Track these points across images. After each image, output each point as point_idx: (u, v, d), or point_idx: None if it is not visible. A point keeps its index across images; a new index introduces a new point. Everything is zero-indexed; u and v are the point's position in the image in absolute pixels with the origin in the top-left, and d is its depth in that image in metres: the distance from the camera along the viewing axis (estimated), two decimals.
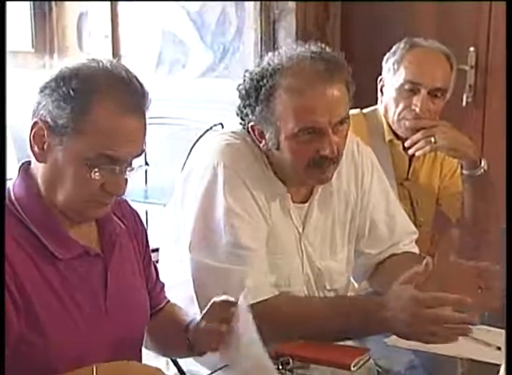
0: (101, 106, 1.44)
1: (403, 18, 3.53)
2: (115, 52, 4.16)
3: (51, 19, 4.38)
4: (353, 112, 2.41)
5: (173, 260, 1.94)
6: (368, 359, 1.74)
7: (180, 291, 1.85)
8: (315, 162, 1.81)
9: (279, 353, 1.71)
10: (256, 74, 1.81)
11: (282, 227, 1.90)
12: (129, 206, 1.72)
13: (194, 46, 3.94)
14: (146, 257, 1.72)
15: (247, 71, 1.87)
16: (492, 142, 3.34)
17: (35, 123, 1.47)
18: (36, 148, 1.48)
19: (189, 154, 2.16)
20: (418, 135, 2.33)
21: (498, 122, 3.51)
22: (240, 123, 1.91)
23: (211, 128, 3.10)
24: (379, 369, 1.73)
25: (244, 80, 1.85)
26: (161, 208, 1.97)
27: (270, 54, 1.84)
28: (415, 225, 2.22)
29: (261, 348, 1.47)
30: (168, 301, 1.80)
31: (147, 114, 1.51)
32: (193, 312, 1.78)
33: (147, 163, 1.72)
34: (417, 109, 2.33)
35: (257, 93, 1.80)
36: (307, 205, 1.94)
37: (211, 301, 1.57)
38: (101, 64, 1.49)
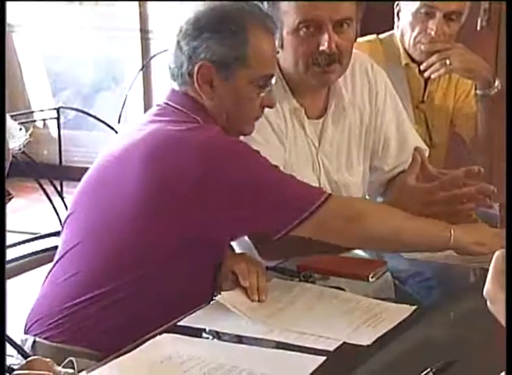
0: (255, 36, 1.59)
1: None
2: None
3: None
4: (369, 37, 2.39)
5: None
6: (386, 271, 1.74)
7: None
8: (316, 60, 1.78)
9: (302, 267, 1.72)
10: None
11: (299, 143, 1.89)
12: None
13: None
14: None
15: None
16: (504, 64, 3.27)
17: (201, 66, 1.58)
18: (205, 87, 1.60)
19: None
20: (434, 58, 2.30)
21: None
22: None
23: None
24: (396, 281, 1.74)
25: None
26: None
27: None
28: (430, 146, 2.21)
29: None
30: None
31: None
32: None
33: None
34: (433, 33, 2.30)
35: None
36: (321, 120, 1.92)
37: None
38: (236, 2, 1.63)
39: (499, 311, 0.96)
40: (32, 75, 4.65)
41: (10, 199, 1.16)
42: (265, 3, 1.79)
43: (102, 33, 4.33)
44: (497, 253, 0.98)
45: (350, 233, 1.64)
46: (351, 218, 1.62)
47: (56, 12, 4.43)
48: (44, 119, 4.47)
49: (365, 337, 1.43)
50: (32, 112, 4.50)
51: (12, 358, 1.49)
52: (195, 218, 1.55)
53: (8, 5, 4.56)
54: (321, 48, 1.76)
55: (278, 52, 1.74)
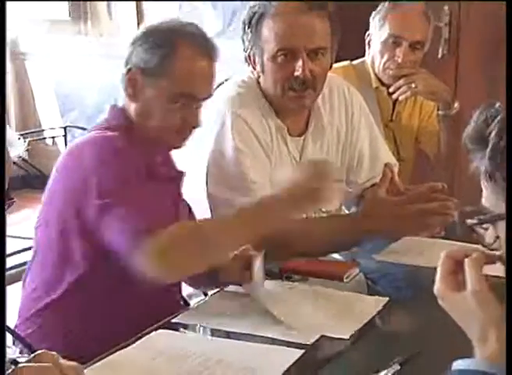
0: (183, 53, 1.49)
1: None
2: (139, 20, 4.08)
3: None
4: (344, 63, 2.39)
5: (194, 193, 1.91)
6: (359, 273, 1.73)
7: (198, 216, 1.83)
8: (291, 85, 1.77)
9: (284, 269, 1.70)
10: (252, 7, 1.80)
11: (283, 158, 1.87)
12: None
13: (207, 13, 3.87)
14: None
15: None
16: (463, 87, 3.33)
17: (129, 70, 1.52)
18: (129, 90, 1.52)
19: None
20: (401, 82, 2.31)
21: (468, 71, 3.50)
22: (244, 56, 1.85)
23: (223, 82, 3.04)
24: (368, 282, 1.72)
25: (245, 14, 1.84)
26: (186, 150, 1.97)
27: None
28: (398, 160, 2.20)
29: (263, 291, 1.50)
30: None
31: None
32: None
33: None
34: (400, 60, 2.30)
35: (250, 21, 1.79)
36: (302, 137, 1.91)
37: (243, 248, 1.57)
38: (179, 21, 1.56)
39: (448, 307, 0.96)
40: (43, 97, 4.62)
41: (12, 203, 1.14)
42: (249, 31, 1.79)
43: (106, 61, 4.31)
44: (443, 253, 0.97)
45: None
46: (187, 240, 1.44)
47: (65, 42, 4.41)
48: (53, 137, 4.44)
49: (344, 330, 1.40)
50: (42, 130, 4.47)
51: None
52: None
53: (21, 35, 4.54)
54: (295, 73, 1.75)
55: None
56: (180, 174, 1.66)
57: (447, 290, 0.95)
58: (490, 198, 0.91)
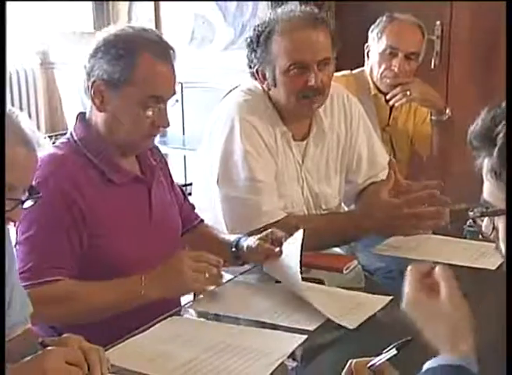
0: (144, 59, 1.44)
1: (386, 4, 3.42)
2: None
3: (107, 7, 4.29)
4: (344, 72, 2.37)
5: (203, 191, 1.89)
6: (357, 265, 1.71)
7: (209, 213, 1.82)
8: (305, 94, 1.77)
9: None
10: (258, 26, 1.79)
11: (287, 161, 1.85)
12: (156, 148, 1.68)
13: (219, 25, 3.86)
14: (171, 182, 1.70)
15: (252, 26, 1.83)
16: (454, 95, 3.31)
17: (94, 82, 1.45)
18: (97, 101, 1.46)
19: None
20: (397, 89, 2.30)
21: (458, 80, 3.48)
22: (249, 72, 1.84)
23: (232, 89, 3.03)
24: (365, 273, 1.70)
25: (250, 33, 1.81)
26: (195, 153, 1.95)
27: (268, 11, 1.81)
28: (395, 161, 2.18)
29: (297, 271, 1.45)
30: (202, 220, 1.77)
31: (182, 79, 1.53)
32: (218, 227, 1.77)
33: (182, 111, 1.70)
34: (396, 69, 2.29)
35: (257, 39, 1.77)
36: (305, 142, 1.89)
37: (270, 230, 1.57)
38: (136, 28, 1.48)
39: (420, 312, 0.96)
40: (70, 104, 4.62)
41: (39, 198, 1.13)
42: (258, 49, 1.77)
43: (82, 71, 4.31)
44: (409, 267, 0.97)
45: (59, 311, 1.41)
46: (60, 300, 1.40)
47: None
48: None
49: (351, 322, 1.38)
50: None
51: None
52: None
53: (51, 47, 4.54)
54: (309, 84, 1.75)
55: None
56: (151, 172, 1.58)
57: (420, 297, 0.95)
58: (494, 194, 0.89)
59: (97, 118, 1.49)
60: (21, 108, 4.28)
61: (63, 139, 1.53)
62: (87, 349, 1.09)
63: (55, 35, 4.53)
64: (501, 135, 0.85)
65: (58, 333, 1.38)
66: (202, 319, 1.42)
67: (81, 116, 1.54)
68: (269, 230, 1.57)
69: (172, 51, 1.48)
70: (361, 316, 1.41)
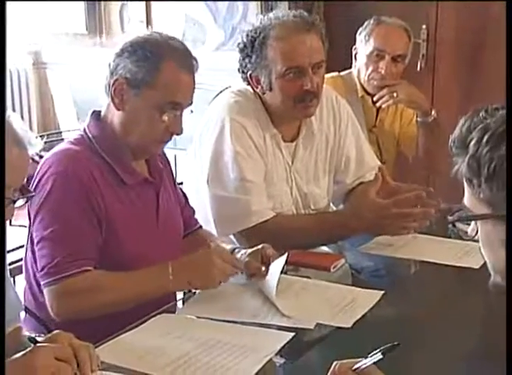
0: (168, 65, 1.45)
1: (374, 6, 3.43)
2: None
3: (100, 8, 4.27)
4: (332, 74, 2.37)
5: (193, 190, 1.89)
6: (344, 263, 1.71)
7: (199, 213, 1.80)
8: (300, 97, 1.76)
9: None
10: (251, 31, 1.78)
11: (276, 162, 1.85)
12: (162, 151, 1.68)
13: (210, 27, 3.85)
14: (174, 185, 1.70)
15: (243, 32, 1.82)
16: (439, 97, 3.32)
17: (116, 80, 1.46)
18: (116, 99, 1.47)
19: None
20: (384, 91, 2.31)
21: (444, 83, 3.50)
22: (242, 77, 1.84)
23: (223, 90, 3.02)
24: (353, 271, 1.70)
25: (242, 38, 1.80)
26: (185, 152, 1.94)
27: (260, 16, 1.81)
28: (381, 162, 2.18)
29: (274, 287, 1.45)
30: (201, 226, 1.76)
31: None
32: (207, 229, 1.76)
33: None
34: (383, 71, 2.30)
35: (252, 45, 1.77)
36: (294, 143, 1.89)
37: (261, 245, 1.56)
38: (163, 35, 1.50)
39: None
40: (61, 104, 4.60)
41: (32, 197, 1.12)
42: (252, 55, 1.77)
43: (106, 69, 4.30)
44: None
45: (89, 302, 1.41)
46: (88, 290, 1.40)
47: (82, 53, 4.38)
48: None
49: (346, 320, 1.38)
50: (61, 132, 4.45)
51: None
52: None
53: (44, 47, 4.52)
54: (305, 87, 1.75)
55: (263, 92, 1.62)
56: (159, 176, 1.59)
57: None
58: (470, 200, 0.89)
59: (114, 117, 1.50)
60: (13, 109, 4.25)
61: (76, 135, 1.54)
62: (77, 346, 1.08)
63: (48, 35, 4.51)
64: (473, 142, 0.85)
65: (48, 330, 1.37)
66: (193, 317, 1.41)
67: (96, 113, 1.54)
68: (260, 245, 1.56)
69: (194, 62, 1.50)
70: (355, 313, 1.40)
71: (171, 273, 1.41)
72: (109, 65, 1.48)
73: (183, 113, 1.49)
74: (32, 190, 1.42)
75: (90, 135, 1.51)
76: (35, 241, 1.43)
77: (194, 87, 1.50)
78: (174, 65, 1.45)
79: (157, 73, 1.44)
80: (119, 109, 1.48)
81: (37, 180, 1.45)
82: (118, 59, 1.47)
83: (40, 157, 1.43)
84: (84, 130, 1.52)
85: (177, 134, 1.50)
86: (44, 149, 1.25)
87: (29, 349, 1.05)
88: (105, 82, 1.49)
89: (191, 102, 1.51)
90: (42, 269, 1.40)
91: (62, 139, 4.26)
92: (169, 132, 1.48)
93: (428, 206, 1.72)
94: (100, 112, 1.53)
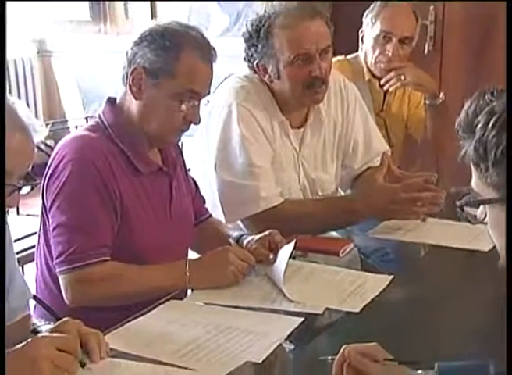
0: (187, 55, 1.45)
1: None
2: (153, 19, 4.03)
3: None
4: (339, 58, 2.35)
5: (201, 178, 1.89)
6: (353, 248, 1.70)
7: (207, 199, 1.79)
8: (309, 84, 1.76)
9: None
10: (255, 21, 1.78)
11: (284, 149, 1.84)
12: None
13: (214, 12, 3.83)
14: (186, 173, 1.69)
15: (248, 21, 1.81)
16: (447, 79, 3.29)
17: (134, 69, 1.46)
18: (134, 88, 1.47)
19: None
20: (391, 74, 2.29)
21: (452, 65, 3.47)
22: (248, 66, 1.83)
23: (228, 76, 3.01)
24: (362, 256, 1.70)
25: (246, 27, 1.80)
26: (191, 139, 1.93)
27: (264, 4, 1.80)
28: (389, 146, 2.17)
29: (282, 274, 1.44)
30: (211, 215, 1.76)
31: None
32: (215, 214, 1.76)
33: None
34: (390, 54, 2.27)
35: (257, 34, 1.76)
36: (302, 129, 1.88)
37: (269, 231, 1.56)
38: (183, 25, 1.49)
39: None
40: (67, 91, 4.59)
41: (36, 185, 1.12)
42: (258, 44, 1.76)
43: (123, 57, 4.28)
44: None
45: (104, 292, 1.43)
46: (107, 280, 1.42)
47: (86, 40, 4.37)
48: (76, 126, 4.42)
49: (355, 305, 1.37)
50: (66, 120, 4.45)
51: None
52: None
53: (48, 35, 4.50)
54: (313, 74, 1.74)
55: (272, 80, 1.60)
56: (173, 165, 1.59)
57: None
58: (477, 183, 0.89)
59: (131, 105, 1.49)
60: (19, 97, 4.24)
61: (92, 122, 1.54)
62: (85, 333, 1.08)
63: (52, 23, 4.50)
64: (479, 126, 0.84)
65: (56, 318, 1.37)
66: (201, 303, 1.41)
67: (111, 101, 1.54)
68: (268, 231, 1.56)
69: (213, 52, 1.50)
70: (364, 297, 1.40)
71: (187, 270, 1.42)
72: (127, 53, 1.48)
73: (200, 103, 1.49)
74: (48, 176, 1.43)
75: (105, 122, 1.51)
76: (51, 228, 1.44)
77: (212, 77, 1.50)
78: (193, 54, 1.45)
79: (176, 63, 1.44)
80: (136, 99, 1.47)
81: (52, 166, 1.46)
82: (136, 48, 1.46)
83: (46, 145, 1.43)
84: (99, 116, 1.52)
85: (195, 124, 1.51)
86: (50, 137, 1.24)
87: (30, 339, 1.03)
88: (123, 71, 1.49)
89: (209, 92, 1.51)
90: (59, 256, 1.41)
91: (68, 127, 4.27)
92: (187, 121, 1.48)
93: (436, 191, 1.71)
94: (115, 99, 1.53)
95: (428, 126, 2.41)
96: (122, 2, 4.18)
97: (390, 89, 2.32)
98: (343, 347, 0.98)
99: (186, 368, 1.12)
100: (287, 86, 1.77)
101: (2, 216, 1.08)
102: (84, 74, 4.40)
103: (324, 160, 1.93)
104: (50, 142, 2.27)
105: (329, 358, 1.00)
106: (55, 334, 1.05)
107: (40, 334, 1.05)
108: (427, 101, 2.36)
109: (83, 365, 1.05)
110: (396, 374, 0.96)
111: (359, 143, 1.98)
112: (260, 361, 1.15)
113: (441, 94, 2.36)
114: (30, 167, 1.09)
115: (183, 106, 1.45)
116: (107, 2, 4.27)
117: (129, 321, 1.30)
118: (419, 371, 0.96)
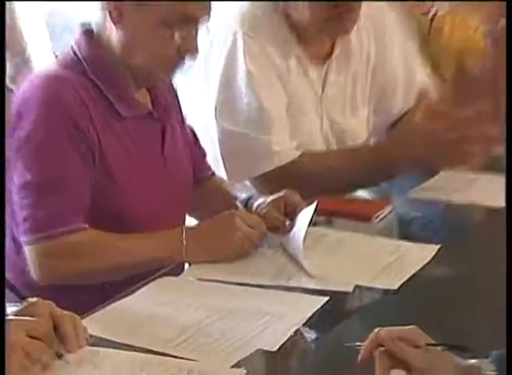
0: None
1: None
2: None
3: None
4: None
5: (199, 124, 1.90)
6: (391, 212, 1.72)
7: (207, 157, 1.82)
8: (333, 16, 1.73)
9: None
10: None
11: (302, 90, 1.86)
12: (171, 82, 1.69)
13: None
14: (183, 123, 1.71)
15: None
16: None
17: None
18: (114, 13, 1.45)
19: None
20: None
21: None
22: None
23: None
24: (401, 222, 1.72)
25: None
26: (185, 82, 1.94)
27: None
28: (439, 81, 2.16)
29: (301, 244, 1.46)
30: (214, 173, 1.78)
31: None
32: (217, 172, 1.78)
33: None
34: None
35: None
36: (325, 65, 1.88)
37: (284, 192, 1.57)
38: None
39: None
40: (30, 25, 4.61)
41: None
42: None
43: None
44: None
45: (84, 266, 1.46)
46: (91, 252, 1.45)
47: None
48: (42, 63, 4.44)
49: (392, 282, 1.39)
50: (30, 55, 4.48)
51: None
52: None
53: None
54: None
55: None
56: (165, 110, 1.61)
57: None
58: None
59: (112, 34, 1.49)
60: None
61: (64, 55, 1.54)
62: (59, 317, 1.09)
63: None
64: None
65: (21, 297, 1.40)
66: (201, 281, 1.43)
67: (87, 30, 1.53)
68: (283, 192, 1.57)
69: None
70: (403, 273, 1.41)
71: (184, 238, 1.43)
72: None
73: (197, 29, 1.48)
74: (9, 127, 1.44)
75: (80, 56, 1.51)
76: (16, 189, 1.44)
77: None
78: None
79: None
80: (116, 25, 1.46)
81: (14, 113, 1.46)
82: None
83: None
84: (72, 49, 1.52)
85: (192, 57, 1.50)
86: (12, 80, 1.25)
87: None
88: None
89: (208, 15, 1.49)
90: (24, 223, 1.42)
91: (31, 62, 4.29)
92: (182, 53, 1.48)
93: (495, 127, 1.66)
94: (92, 28, 1.53)
95: (487, 57, 2.41)
96: None
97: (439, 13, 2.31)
98: (377, 329, 1.01)
99: (182, 358, 1.14)
100: (307, 11, 1.76)
101: (2, 216, 1.09)
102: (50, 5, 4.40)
103: (353, 103, 1.93)
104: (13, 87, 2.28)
105: (358, 344, 1.03)
106: (22, 317, 1.07)
107: (7, 317, 1.07)
108: (486, 27, 2.37)
109: (59, 355, 1.07)
110: (441, 363, 0.98)
111: (398, 80, 1.98)
112: (275, 349, 1.17)
113: (501, 20, 2.35)
114: None
115: (176, 34, 1.45)
116: None
117: (113, 302, 1.32)
118: (471, 360, 0.98)
